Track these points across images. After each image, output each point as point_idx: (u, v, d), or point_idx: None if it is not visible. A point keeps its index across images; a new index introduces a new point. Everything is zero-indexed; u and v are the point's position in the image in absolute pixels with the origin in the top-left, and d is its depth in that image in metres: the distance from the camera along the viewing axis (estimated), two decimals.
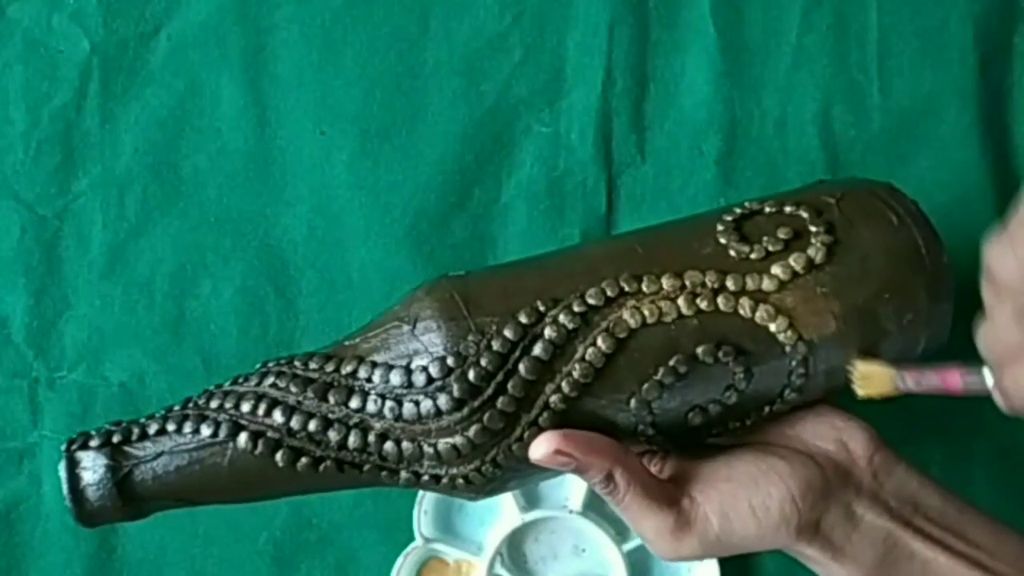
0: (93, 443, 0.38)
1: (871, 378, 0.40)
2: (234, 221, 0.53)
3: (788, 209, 0.41)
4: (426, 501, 0.50)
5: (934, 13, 0.53)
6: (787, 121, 0.53)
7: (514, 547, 0.51)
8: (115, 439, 0.38)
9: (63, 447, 0.38)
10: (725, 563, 0.50)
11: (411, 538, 0.50)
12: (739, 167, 0.53)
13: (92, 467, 0.37)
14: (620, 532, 0.51)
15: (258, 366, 0.39)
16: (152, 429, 0.38)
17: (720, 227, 0.40)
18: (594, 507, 0.51)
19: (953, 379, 0.37)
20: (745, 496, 0.39)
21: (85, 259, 0.52)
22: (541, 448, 0.37)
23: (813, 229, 0.40)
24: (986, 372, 0.36)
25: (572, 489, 0.51)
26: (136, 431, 0.38)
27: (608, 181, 0.53)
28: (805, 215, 0.40)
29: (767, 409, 0.41)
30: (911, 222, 0.41)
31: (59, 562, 0.51)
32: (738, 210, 0.41)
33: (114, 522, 0.38)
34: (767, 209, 0.41)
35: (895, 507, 0.40)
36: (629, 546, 0.50)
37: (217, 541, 0.51)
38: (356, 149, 0.53)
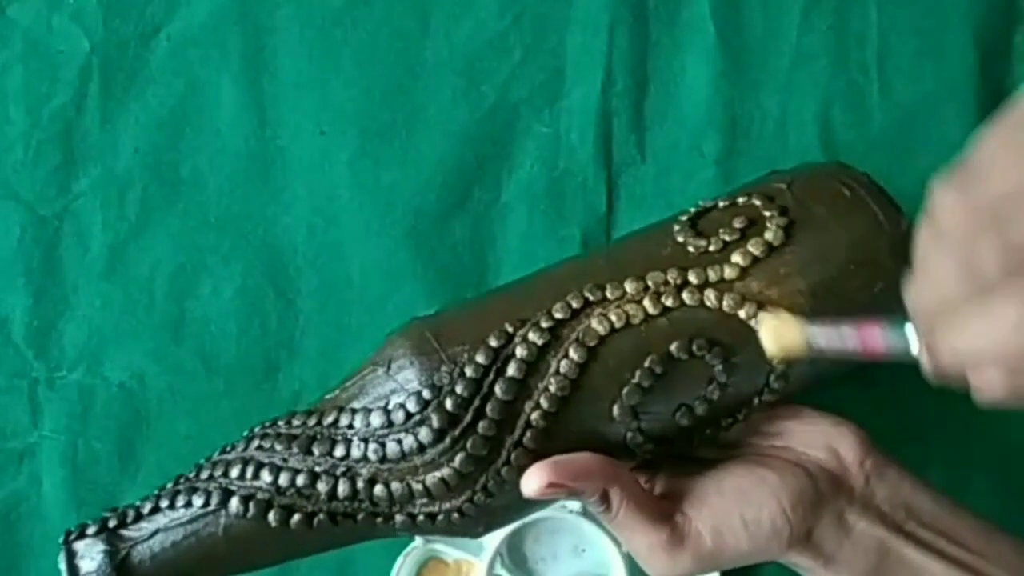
0: (90, 531, 0.38)
1: (780, 333, 0.37)
2: (234, 221, 0.53)
3: (740, 200, 0.41)
4: None
5: (934, 13, 0.53)
6: (787, 121, 0.53)
7: (514, 547, 0.51)
8: (111, 524, 0.38)
9: (60, 540, 0.38)
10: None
11: (411, 538, 0.50)
12: (739, 167, 0.53)
13: (90, 555, 0.37)
14: None
15: (245, 433, 0.40)
16: (146, 509, 0.38)
17: (676, 227, 0.41)
18: None
19: (873, 336, 0.33)
20: (737, 510, 0.38)
21: (85, 259, 0.52)
22: (533, 483, 0.36)
23: (767, 214, 0.40)
24: (910, 329, 0.32)
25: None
26: (131, 514, 0.38)
27: (608, 181, 0.53)
28: (758, 203, 0.41)
29: (756, 400, 0.40)
30: (864, 193, 0.41)
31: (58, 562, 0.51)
32: (692, 210, 0.42)
33: None
34: (721, 204, 0.42)
35: (887, 513, 0.39)
36: None
37: None
38: (356, 149, 0.53)
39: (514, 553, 0.51)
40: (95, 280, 0.52)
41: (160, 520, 0.38)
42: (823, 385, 0.42)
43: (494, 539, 0.50)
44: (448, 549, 0.51)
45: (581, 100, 0.53)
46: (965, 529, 0.39)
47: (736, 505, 0.38)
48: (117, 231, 0.52)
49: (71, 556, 0.37)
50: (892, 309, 0.39)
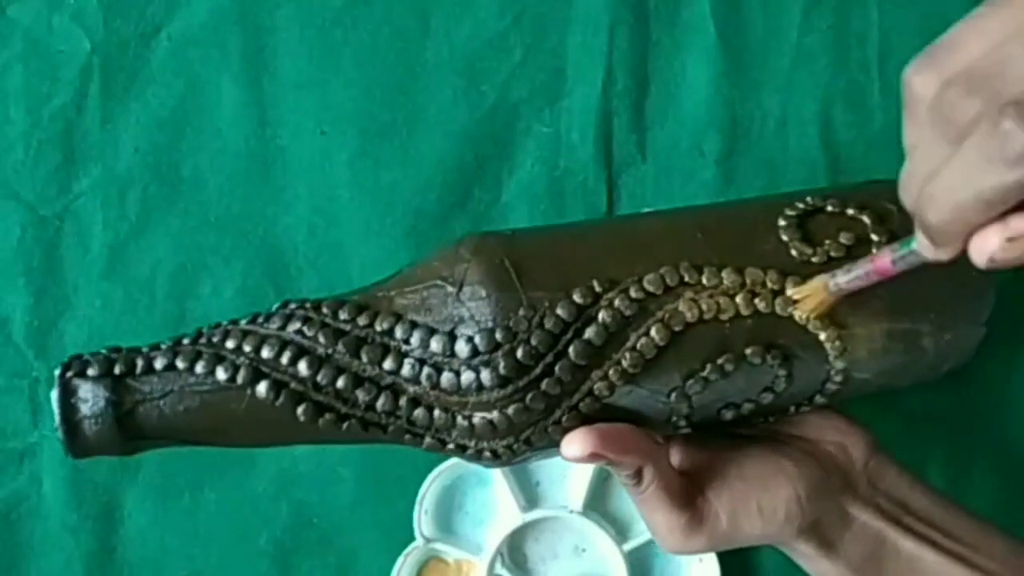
0: (92, 371, 0.35)
1: (806, 296, 0.37)
2: (234, 221, 0.52)
3: (851, 212, 0.40)
4: (426, 501, 0.50)
5: (934, 12, 0.53)
6: (787, 121, 0.53)
7: (514, 547, 0.51)
8: (117, 370, 0.35)
9: (56, 371, 0.35)
10: (725, 563, 0.50)
11: (411, 538, 0.50)
12: (739, 167, 0.53)
13: (92, 399, 0.34)
14: (620, 532, 0.51)
15: (277, 305, 0.38)
16: (159, 363, 0.35)
17: (783, 222, 0.39)
18: (594, 507, 0.51)
19: (883, 259, 0.34)
20: (755, 496, 0.40)
21: (85, 259, 0.52)
22: (575, 449, 0.36)
23: (875, 239, 0.39)
24: (914, 239, 0.32)
25: (572, 489, 0.51)
26: (140, 363, 0.35)
27: (608, 181, 0.53)
28: (867, 221, 0.40)
29: (792, 409, 0.41)
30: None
31: (59, 562, 0.51)
32: (801, 205, 0.40)
33: (107, 455, 0.36)
34: (829, 208, 0.40)
35: (886, 508, 0.41)
36: (629, 546, 0.50)
37: (217, 541, 0.51)
38: (356, 149, 0.53)
39: (514, 553, 0.51)
40: (95, 280, 0.52)
41: (176, 381, 0.35)
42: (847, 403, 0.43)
43: (494, 539, 0.50)
44: (448, 549, 0.51)
45: (581, 100, 0.53)
46: (958, 524, 0.41)
47: (755, 491, 0.40)
48: (117, 231, 0.52)
49: (68, 393, 0.34)
50: (947, 358, 0.41)
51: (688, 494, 0.40)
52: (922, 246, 0.30)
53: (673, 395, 0.37)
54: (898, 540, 0.40)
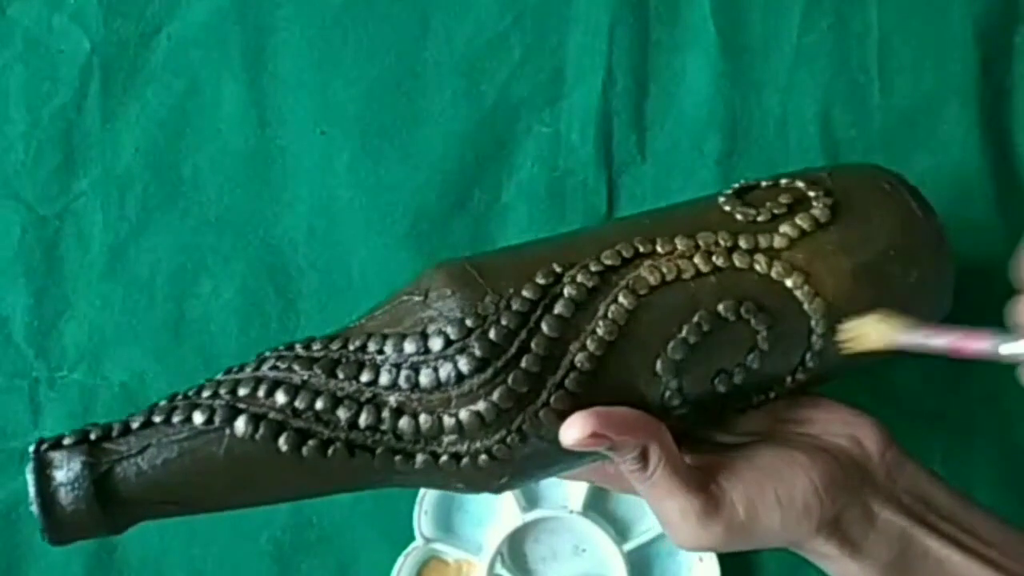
0: (67, 441, 0.33)
1: (878, 331, 0.38)
2: (234, 221, 0.52)
3: (784, 181, 0.42)
4: (426, 501, 0.50)
5: (934, 13, 0.53)
6: (787, 121, 0.53)
7: (514, 547, 0.51)
8: (93, 436, 0.34)
9: (31, 448, 0.34)
10: (725, 564, 0.50)
11: (411, 538, 0.50)
12: (739, 167, 0.53)
13: (66, 465, 0.33)
14: (620, 532, 0.51)
15: (253, 359, 0.38)
16: (136, 423, 0.34)
17: (722, 199, 0.41)
18: (594, 507, 0.51)
19: (979, 342, 0.34)
20: (771, 485, 0.38)
21: (85, 259, 0.52)
22: (574, 431, 0.35)
23: (812, 194, 0.41)
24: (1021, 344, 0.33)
25: (572, 489, 0.51)
26: (117, 428, 0.34)
27: (608, 181, 0.53)
28: (801, 184, 0.41)
29: (789, 378, 0.40)
30: (903, 188, 0.42)
31: (59, 562, 0.51)
32: (736, 185, 0.42)
33: (89, 535, 0.33)
34: (763, 184, 0.42)
35: (908, 504, 0.39)
36: (629, 546, 0.50)
37: (217, 541, 0.51)
38: (356, 149, 0.53)
39: (514, 553, 0.51)
40: (95, 280, 0.52)
41: (152, 436, 0.33)
42: (849, 371, 0.43)
43: (494, 539, 0.50)
44: (448, 549, 0.51)
45: (581, 100, 0.53)
46: (980, 522, 0.40)
47: (770, 480, 0.38)
48: (117, 231, 0.52)
49: (43, 466, 0.33)
50: (927, 299, 0.42)
51: (700, 479, 0.38)
52: None
53: (658, 364, 0.37)
54: (925, 540, 0.39)
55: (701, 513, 0.37)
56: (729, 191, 0.42)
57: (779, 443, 0.40)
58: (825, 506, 0.38)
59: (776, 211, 0.40)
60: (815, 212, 0.40)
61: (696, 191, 0.52)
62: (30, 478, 0.33)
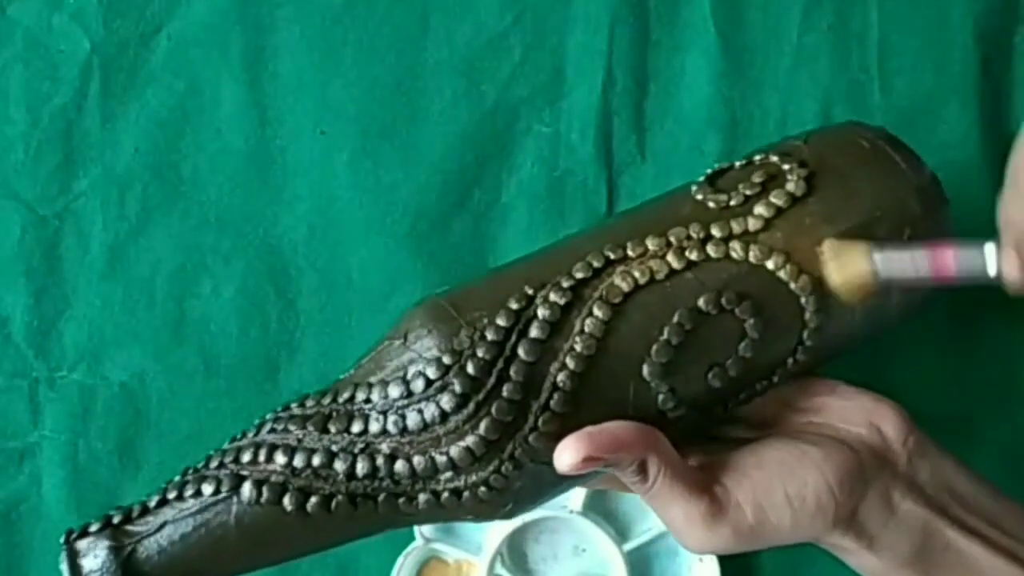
0: (93, 529, 0.36)
1: (846, 262, 0.37)
2: (234, 221, 0.53)
3: (757, 158, 0.41)
4: None
5: (934, 13, 0.53)
6: (787, 121, 0.53)
7: (514, 547, 0.51)
8: (115, 520, 0.36)
9: (62, 539, 0.36)
10: (725, 564, 0.50)
11: (411, 538, 0.50)
12: None
13: (93, 552, 0.35)
14: (620, 532, 0.51)
15: (256, 422, 0.38)
16: (153, 503, 0.36)
17: (694, 187, 0.40)
18: (594, 507, 0.51)
19: (945, 259, 0.33)
20: (780, 484, 0.37)
21: (85, 259, 0.52)
22: (567, 457, 0.34)
23: (786, 167, 0.40)
24: (989, 249, 0.32)
25: (572, 489, 0.51)
26: (137, 509, 0.36)
27: (608, 181, 0.53)
28: (775, 159, 0.40)
29: (790, 360, 0.39)
30: (883, 142, 0.41)
31: (59, 562, 0.51)
32: (709, 171, 0.41)
33: None
34: (737, 164, 0.41)
35: (931, 494, 0.38)
36: (629, 546, 0.50)
37: None
38: (356, 149, 0.53)
39: (514, 553, 0.51)
40: (95, 280, 0.52)
41: (168, 513, 0.36)
42: (852, 349, 0.42)
43: (494, 539, 0.50)
44: (448, 549, 0.51)
45: (581, 100, 0.53)
46: (1007, 515, 0.38)
47: (779, 479, 0.37)
48: (117, 231, 0.52)
49: (73, 556, 0.35)
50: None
51: (703, 483, 0.37)
52: (1008, 269, 0.29)
53: (646, 369, 0.37)
54: (947, 532, 0.37)
55: (706, 516, 0.36)
56: (701, 178, 0.41)
57: (791, 436, 0.39)
58: (840, 503, 0.37)
59: (748, 192, 0.39)
60: (789, 187, 0.39)
61: None
62: (64, 569, 0.35)
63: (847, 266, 0.37)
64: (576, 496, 0.50)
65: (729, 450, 0.39)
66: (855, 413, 0.39)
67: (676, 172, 0.53)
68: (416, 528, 0.50)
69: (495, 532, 0.50)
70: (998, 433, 0.52)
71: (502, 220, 0.53)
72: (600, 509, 0.51)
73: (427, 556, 0.51)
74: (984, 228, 0.52)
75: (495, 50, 0.53)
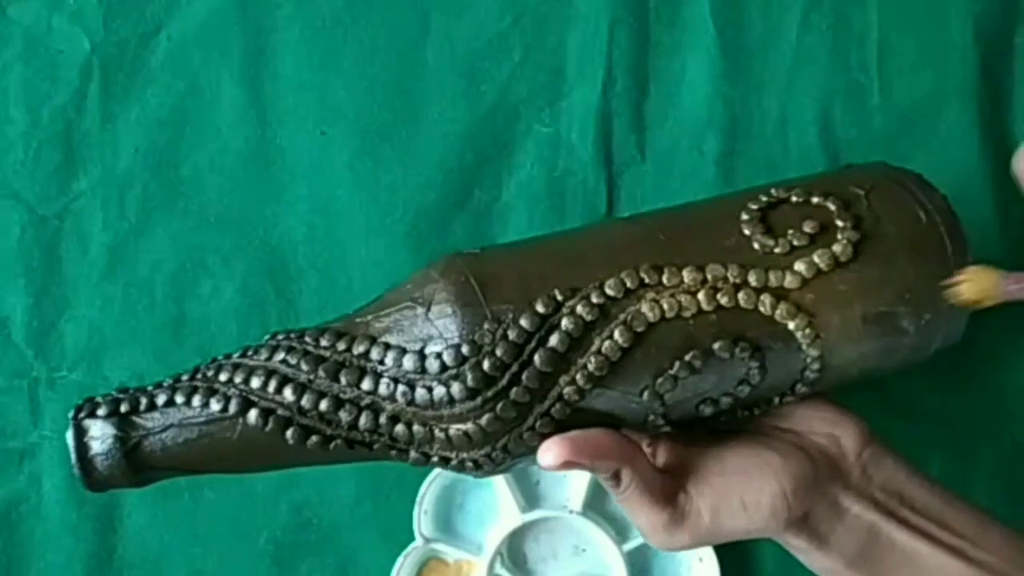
0: (101, 412, 0.37)
1: (980, 283, 0.39)
2: (234, 221, 0.52)
3: (815, 200, 0.40)
4: (426, 501, 0.50)
5: (934, 13, 0.53)
6: (787, 121, 0.53)
7: (514, 547, 0.51)
8: (123, 408, 0.38)
9: (70, 414, 0.38)
10: (724, 563, 0.50)
11: (411, 538, 0.50)
12: (739, 167, 0.53)
13: (100, 437, 0.37)
14: (620, 532, 0.51)
15: (267, 337, 0.39)
16: (160, 399, 0.38)
17: (745, 216, 0.39)
18: (594, 507, 0.51)
19: None
20: (737, 492, 0.39)
21: (85, 259, 0.52)
22: (549, 458, 0.36)
23: (840, 224, 0.39)
24: None
25: (572, 489, 0.51)
26: (144, 401, 0.38)
27: (608, 181, 0.53)
28: (832, 208, 0.40)
29: (776, 400, 0.41)
30: (939, 219, 0.40)
31: (59, 562, 0.51)
32: (764, 198, 0.40)
33: (118, 488, 0.38)
34: (794, 199, 0.40)
35: (881, 499, 0.40)
36: (629, 546, 0.50)
37: (217, 541, 0.51)
38: (356, 149, 0.53)
39: (514, 553, 0.51)
40: (95, 280, 0.52)
41: (174, 415, 0.37)
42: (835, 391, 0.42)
43: (494, 539, 0.50)
44: (448, 549, 0.51)
45: (581, 100, 0.53)
46: (957, 516, 0.40)
47: (737, 486, 0.39)
48: (117, 231, 0.52)
49: (80, 433, 0.37)
50: (932, 338, 0.41)
51: (669, 492, 0.39)
52: None
53: (645, 394, 0.37)
54: (893, 533, 0.40)
55: (668, 525, 0.39)
56: (756, 205, 0.40)
57: (755, 441, 0.41)
58: (792, 509, 0.39)
59: (796, 243, 0.39)
60: (836, 248, 0.38)
61: (696, 191, 0.52)
62: (70, 443, 0.37)
63: (981, 289, 0.39)
64: (576, 496, 0.50)
65: (697, 443, 0.41)
66: (818, 424, 0.41)
67: (676, 172, 0.53)
68: (416, 528, 0.50)
69: (495, 532, 0.50)
70: (997, 432, 0.52)
71: (502, 220, 0.53)
72: (600, 509, 0.51)
73: (427, 556, 0.51)
74: (984, 228, 0.52)
75: (495, 50, 0.53)
